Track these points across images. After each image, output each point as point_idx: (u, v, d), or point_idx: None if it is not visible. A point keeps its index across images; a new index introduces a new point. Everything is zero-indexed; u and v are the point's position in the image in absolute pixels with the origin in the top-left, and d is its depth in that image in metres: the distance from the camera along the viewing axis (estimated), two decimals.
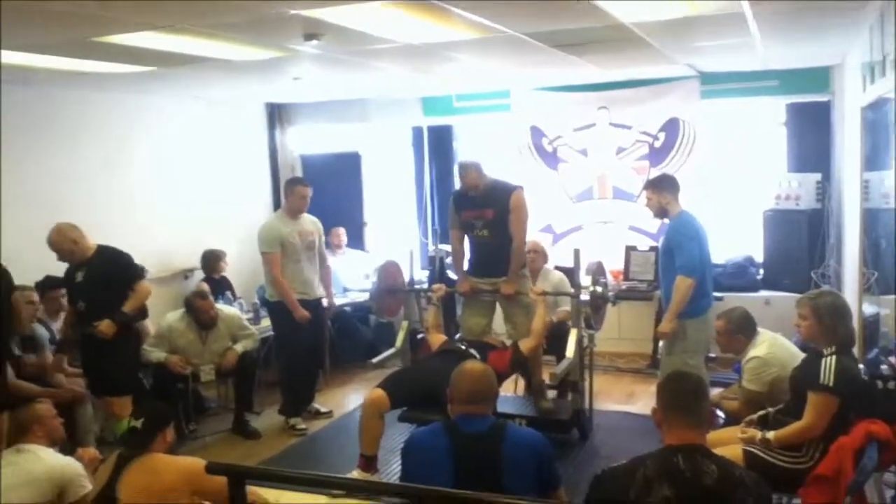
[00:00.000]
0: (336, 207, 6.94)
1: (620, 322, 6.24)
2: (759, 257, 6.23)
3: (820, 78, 5.88)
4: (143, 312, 4.82)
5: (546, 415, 4.57)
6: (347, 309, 6.48)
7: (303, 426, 5.16)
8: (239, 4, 3.09)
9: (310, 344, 5.17)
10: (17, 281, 3.90)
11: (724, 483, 1.97)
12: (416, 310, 5.11)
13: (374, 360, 4.75)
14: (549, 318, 4.67)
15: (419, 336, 4.91)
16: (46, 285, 4.74)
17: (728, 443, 3.10)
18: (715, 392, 3.93)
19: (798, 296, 3.41)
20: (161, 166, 6.20)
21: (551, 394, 4.84)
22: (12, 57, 3.97)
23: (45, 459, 2.90)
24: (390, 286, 5.04)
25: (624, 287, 6.07)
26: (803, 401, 3.01)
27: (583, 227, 6.75)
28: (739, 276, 6.10)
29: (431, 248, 6.66)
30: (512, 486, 2.38)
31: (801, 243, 5.82)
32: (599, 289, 4.62)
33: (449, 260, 5.65)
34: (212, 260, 6.21)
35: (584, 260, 4.64)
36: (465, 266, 4.67)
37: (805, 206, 5.80)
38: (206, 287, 5.49)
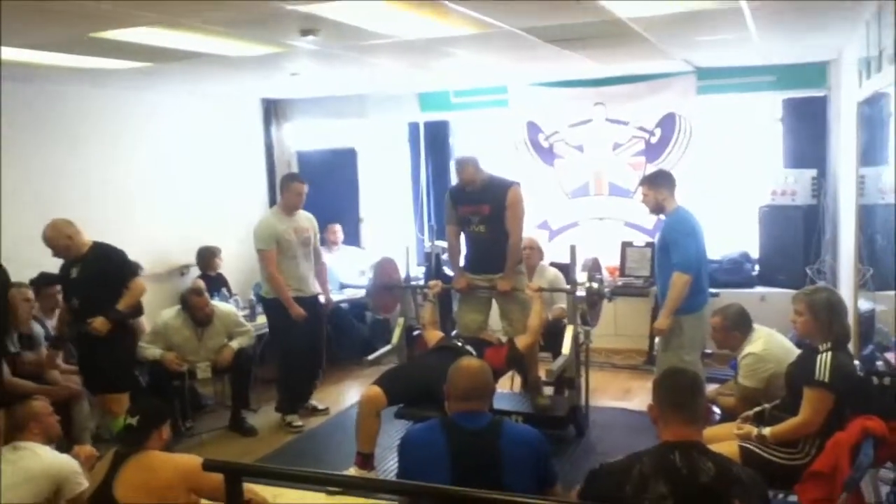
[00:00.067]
0: (332, 204, 6.92)
1: (616, 318, 6.24)
2: (754, 253, 6.23)
3: (816, 73, 5.88)
4: (137, 310, 4.82)
5: (542, 411, 4.57)
6: (344, 305, 6.48)
7: (299, 423, 5.15)
8: (235, 0, 3.07)
9: (306, 341, 5.16)
10: (14, 278, 3.90)
11: (720, 480, 1.97)
12: (413, 306, 5.11)
13: (371, 356, 4.73)
14: (545, 316, 4.67)
15: (415, 333, 4.91)
16: (42, 282, 4.72)
17: (724, 439, 3.11)
18: (711, 388, 3.93)
19: (794, 292, 3.42)
20: (157, 162, 6.18)
21: (548, 390, 4.84)
22: (10, 54, 3.95)
23: (42, 457, 2.89)
24: (387, 283, 5.04)
25: (620, 283, 6.08)
26: (799, 397, 3.02)
27: (579, 223, 6.75)
28: (735, 272, 6.11)
29: (428, 244, 6.65)
30: (509, 483, 2.39)
31: (796, 239, 5.83)
32: (595, 285, 4.62)
33: (445, 256, 5.65)
34: (207, 256, 6.20)
35: (581, 256, 4.64)
36: (462, 262, 4.67)
37: (801, 202, 5.81)
38: (201, 284, 5.48)
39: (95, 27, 3.47)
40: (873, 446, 2.68)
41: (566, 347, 4.36)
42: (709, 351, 4.71)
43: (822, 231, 5.79)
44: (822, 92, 5.90)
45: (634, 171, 6.43)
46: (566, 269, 4.76)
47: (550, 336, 4.77)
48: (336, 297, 6.07)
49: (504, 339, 4.53)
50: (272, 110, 7.53)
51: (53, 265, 4.51)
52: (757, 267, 6.20)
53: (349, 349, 6.34)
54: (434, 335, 4.55)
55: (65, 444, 3.43)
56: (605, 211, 6.67)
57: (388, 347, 4.84)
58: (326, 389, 5.78)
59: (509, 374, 4.76)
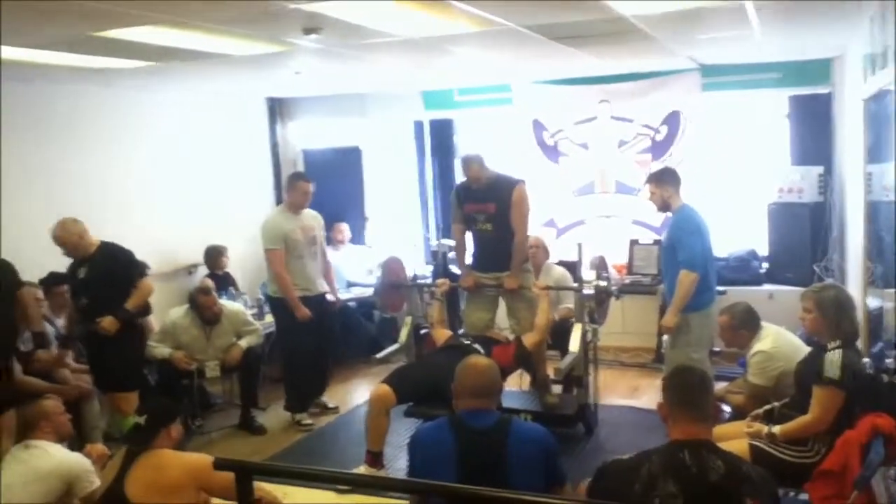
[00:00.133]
0: (337, 202, 6.93)
1: (624, 316, 6.23)
2: (762, 251, 6.21)
3: (821, 70, 5.86)
4: (145, 309, 4.82)
5: (551, 410, 4.58)
6: (352, 304, 6.49)
7: (309, 421, 5.17)
8: None
9: (314, 339, 5.17)
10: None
11: (730, 478, 1.97)
12: (420, 305, 5.11)
13: (379, 355, 4.75)
14: (552, 316, 4.67)
15: (423, 331, 4.92)
16: (51, 281, 4.75)
17: (734, 437, 3.10)
18: (720, 386, 3.92)
19: (802, 289, 3.41)
20: (162, 162, 6.19)
21: (556, 388, 4.84)
22: (12, 53, 3.95)
23: (54, 455, 2.91)
24: (394, 281, 5.04)
25: (627, 281, 6.06)
26: (808, 395, 3.01)
27: (585, 221, 6.74)
28: (743, 270, 6.08)
29: (434, 242, 6.65)
30: (517, 482, 2.38)
31: (803, 236, 5.81)
32: (603, 283, 4.62)
33: (452, 254, 5.65)
34: (214, 255, 6.21)
35: (587, 254, 4.63)
36: (469, 260, 4.68)
37: (808, 199, 5.78)
38: (209, 283, 5.48)
39: (98, 26, 3.48)
40: (884, 444, 2.67)
41: (574, 345, 4.36)
42: (717, 349, 4.69)
43: (829, 228, 5.77)
44: (827, 89, 5.87)
45: (640, 168, 6.40)
46: (573, 268, 4.75)
47: (557, 335, 4.77)
48: (344, 295, 6.09)
49: (511, 337, 4.53)
50: (277, 109, 7.53)
51: (54, 265, 4.53)
52: (764, 264, 6.18)
53: (357, 348, 6.35)
54: (442, 334, 4.56)
55: (76, 442, 3.45)
56: (611, 209, 6.66)
57: (396, 346, 4.85)
58: (334, 388, 5.79)
59: (518, 372, 4.77)
